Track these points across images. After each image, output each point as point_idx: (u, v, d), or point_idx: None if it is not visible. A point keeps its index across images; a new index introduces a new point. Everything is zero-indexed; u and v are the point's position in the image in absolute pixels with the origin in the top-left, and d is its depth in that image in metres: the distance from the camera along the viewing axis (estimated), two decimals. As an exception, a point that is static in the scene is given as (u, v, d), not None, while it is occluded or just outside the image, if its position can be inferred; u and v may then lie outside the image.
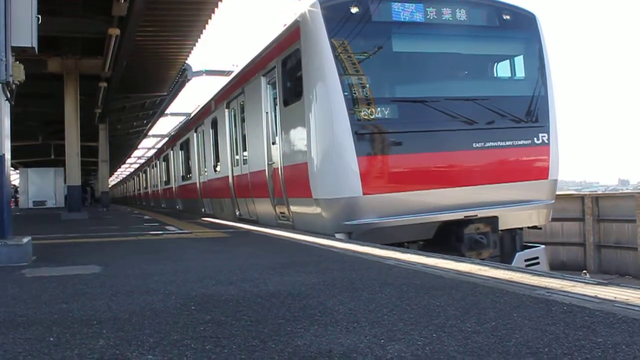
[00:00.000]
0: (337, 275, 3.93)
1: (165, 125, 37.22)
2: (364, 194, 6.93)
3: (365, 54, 7.46)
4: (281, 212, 8.94)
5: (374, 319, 2.62)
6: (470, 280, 3.57)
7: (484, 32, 8.13)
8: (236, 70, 12.41)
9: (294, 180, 8.11)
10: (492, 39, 8.28)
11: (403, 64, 7.92)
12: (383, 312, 2.74)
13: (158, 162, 28.73)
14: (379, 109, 7.22)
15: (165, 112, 31.37)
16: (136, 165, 51.08)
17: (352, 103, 7.09)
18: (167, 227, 10.48)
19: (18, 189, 35.81)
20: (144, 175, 38.09)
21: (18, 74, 5.50)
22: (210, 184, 14.76)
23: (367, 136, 7.08)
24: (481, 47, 8.24)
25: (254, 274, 4.09)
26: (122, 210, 27.00)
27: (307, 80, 7.54)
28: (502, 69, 8.64)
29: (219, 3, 14.59)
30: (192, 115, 18.91)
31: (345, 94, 7.08)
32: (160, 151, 29.34)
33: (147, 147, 46.48)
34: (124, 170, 66.82)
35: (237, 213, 11.89)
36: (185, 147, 19.26)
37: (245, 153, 10.85)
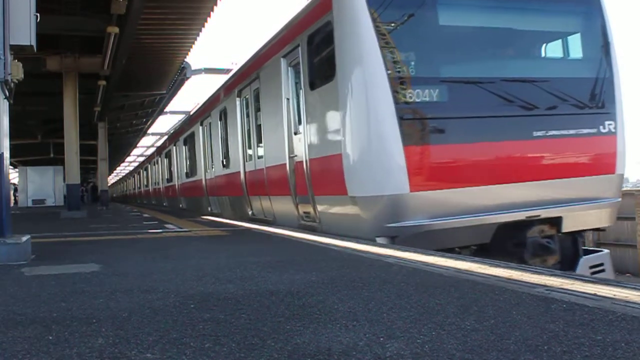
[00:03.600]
0: (337, 274, 3.93)
1: (164, 124, 37.23)
2: (411, 190, 5.97)
3: (410, 27, 6.51)
4: (305, 212, 8.02)
5: (373, 317, 2.62)
6: (470, 278, 3.57)
7: (544, 5, 7.17)
8: (248, 56, 11.12)
9: (324, 175, 7.16)
10: (552, 13, 7.29)
11: (453, 39, 6.86)
12: (382, 310, 2.74)
13: (160, 158, 27.52)
14: (427, 90, 6.23)
15: (165, 110, 31.37)
16: (136, 164, 50.89)
17: (397, 83, 6.11)
18: (167, 226, 10.48)
19: (17, 188, 35.80)
20: (144, 172, 36.78)
21: (17, 72, 5.49)
22: (218, 181, 13.75)
23: (414, 122, 6.12)
24: (539, 22, 7.27)
25: (253, 272, 4.09)
26: (121, 208, 26.99)
27: (341, 57, 6.53)
28: (562, 47, 7.57)
29: (218, 1, 14.59)
30: (198, 107, 17.52)
31: (388, 72, 6.11)
32: (162, 147, 28.04)
33: (146, 145, 46.50)
34: (123, 169, 66.81)
35: (250, 212, 10.99)
36: (190, 141, 18.13)
37: (261, 146, 9.87)
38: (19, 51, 5.58)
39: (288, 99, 8.31)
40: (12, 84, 5.53)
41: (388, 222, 6.09)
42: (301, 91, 7.78)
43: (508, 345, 2.10)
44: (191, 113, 19.35)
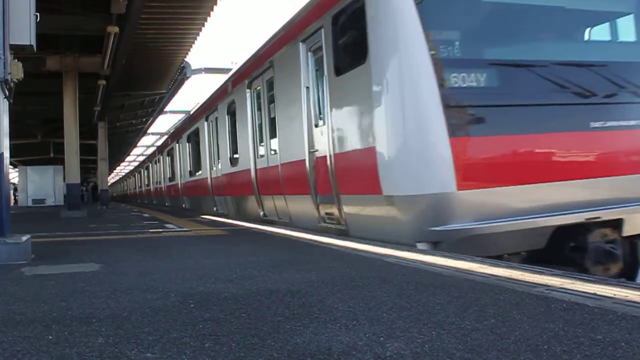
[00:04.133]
0: (337, 273, 3.93)
1: (164, 123, 37.17)
2: (458, 189, 5.23)
3: (456, 2, 5.95)
4: (327, 213, 7.29)
5: (373, 316, 2.62)
6: (470, 277, 3.57)
7: None
8: (260, 43, 10.22)
9: (352, 171, 6.44)
10: None
11: (502, 17, 6.19)
12: (382, 310, 2.74)
13: (161, 157, 26.56)
14: (476, 74, 5.55)
15: (165, 110, 31.38)
16: (136, 163, 50.76)
17: (441, 65, 5.41)
18: (167, 225, 10.48)
19: (17, 187, 35.80)
20: (145, 171, 35.77)
21: (17, 72, 5.49)
22: (225, 179, 12.95)
23: (461, 110, 5.38)
24: (597, 1, 6.60)
25: (253, 272, 4.09)
26: (121, 208, 26.99)
27: (374, 37, 5.81)
28: (622, 29, 6.74)
29: (218, 1, 14.59)
30: (203, 101, 16.40)
31: (432, 52, 5.38)
32: (164, 145, 26.95)
33: (146, 145, 46.50)
34: (123, 168, 66.79)
35: (261, 213, 10.29)
36: (194, 138, 17.22)
37: (275, 141, 9.10)
38: (19, 51, 5.58)
39: (308, 88, 7.56)
40: (12, 84, 5.53)
41: (431, 226, 5.33)
42: (324, 78, 7.01)
43: (508, 345, 2.10)
44: (195, 108, 18.25)
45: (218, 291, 3.36)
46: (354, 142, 6.35)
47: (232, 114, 11.98)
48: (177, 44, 18.20)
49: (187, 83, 25.47)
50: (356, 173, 6.36)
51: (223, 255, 5.31)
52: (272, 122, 9.28)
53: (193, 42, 18.12)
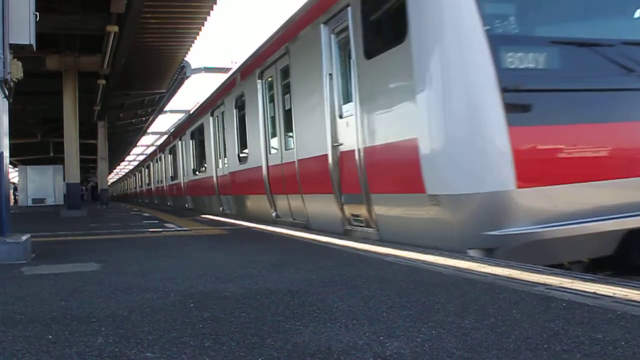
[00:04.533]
0: (336, 272, 3.93)
1: (164, 123, 37.20)
2: (518, 186, 4.53)
3: None
4: (354, 215, 6.59)
5: (373, 315, 2.62)
6: (470, 277, 3.57)
7: None
8: (273, 30, 9.45)
9: (387, 167, 5.75)
10: None
11: None
12: (382, 309, 2.74)
13: (163, 155, 25.75)
14: (537, 53, 4.87)
15: (164, 109, 31.38)
16: (136, 162, 50.65)
17: (497, 43, 4.73)
18: (166, 225, 10.48)
19: (17, 187, 35.81)
20: (146, 170, 35.08)
21: (16, 71, 5.49)
22: (232, 177, 12.17)
23: (522, 95, 4.72)
24: None
25: (252, 271, 4.09)
26: (121, 207, 26.99)
27: (415, 10, 5.09)
28: None
29: (218, 0, 14.59)
30: (207, 96, 15.47)
31: (486, 27, 4.70)
32: (165, 143, 26.08)
33: (146, 144, 46.50)
34: (123, 168, 66.77)
35: (273, 214, 9.58)
36: (198, 135, 16.38)
37: (291, 135, 8.41)
38: (18, 50, 5.58)
39: (330, 75, 6.81)
40: (12, 83, 5.53)
41: (485, 229, 4.62)
42: (351, 63, 6.27)
43: (508, 344, 2.10)
44: (199, 103, 17.01)
45: (218, 290, 3.36)
46: (389, 134, 5.58)
47: (240, 107, 11.18)
48: (176, 43, 18.21)
49: (186, 82, 25.52)
50: (392, 169, 5.64)
51: (223, 255, 5.31)
52: (288, 114, 8.53)
53: (193, 42, 18.13)
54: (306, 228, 7.90)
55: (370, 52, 5.91)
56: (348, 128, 6.44)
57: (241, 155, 11.36)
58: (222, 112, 12.88)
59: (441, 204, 4.89)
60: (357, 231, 6.52)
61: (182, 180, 19.86)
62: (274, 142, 9.36)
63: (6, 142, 5.58)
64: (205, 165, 15.27)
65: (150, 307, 2.93)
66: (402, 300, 2.94)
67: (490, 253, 4.65)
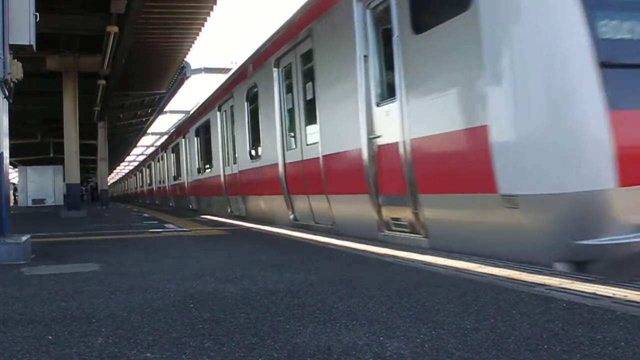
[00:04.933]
0: (336, 273, 3.93)
1: (164, 123, 37.22)
2: (620, 184, 3.71)
3: None
4: (395, 219, 5.72)
5: (372, 316, 2.62)
6: (469, 277, 3.57)
7: None
8: (292, 11, 8.43)
9: (444, 162, 4.83)
10: None
11: None
12: (382, 310, 2.74)
13: (165, 154, 24.62)
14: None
15: (164, 109, 31.40)
16: (136, 163, 50.52)
17: (594, 7, 3.88)
18: (166, 225, 10.48)
19: (17, 187, 35.82)
20: (147, 170, 34.01)
21: (16, 71, 5.49)
22: (243, 176, 11.15)
23: (625, 73, 3.91)
24: None
25: (252, 272, 4.09)
26: (121, 208, 26.98)
27: None
28: None
29: (218, 0, 14.61)
30: (215, 89, 14.43)
31: None
32: (168, 141, 24.89)
33: (146, 144, 46.50)
34: (123, 168, 66.77)
35: (291, 216, 8.71)
36: (204, 132, 15.46)
37: (313, 129, 7.57)
38: (18, 50, 5.59)
39: (366, 57, 5.94)
40: (12, 84, 5.54)
41: (577, 238, 3.82)
42: (393, 41, 5.40)
43: (508, 345, 2.10)
44: (206, 98, 15.65)
45: (218, 291, 3.36)
46: (447, 121, 4.65)
47: (252, 100, 10.27)
48: (176, 44, 18.22)
49: (186, 83, 25.55)
50: (450, 164, 4.74)
51: (223, 255, 5.31)
52: (310, 105, 7.64)
53: (193, 42, 18.14)
54: (331, 233, 6.99)
55: (420, 25, 5.03)
56: (388, 117, 5.53)
57: (253, 152, 10.49)
58: (231, 106, 11.97)
59: (520, 207, 4.00)
60: (398, 237, 5.61)
61: (185, 180, 19.01)
62: (293, 137, 8.49)
63: (6, 142, 5.58)
64: (212, 163, 14.38)
65: (150, 308, 2.93)
66: (402, 300, 2.94)
67: (583, 267, 3.85)
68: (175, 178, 21.86)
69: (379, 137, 5.83)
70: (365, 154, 6.01)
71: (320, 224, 7.68)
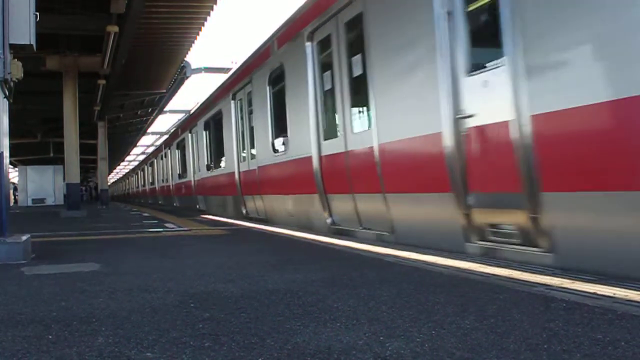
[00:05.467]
0: (337, 273, 3.93)
1: (164, 123, 37.19)
2: None
3: None
4: (493, 225, 4.46)
5: (373, 315, 2.62)
6: (470, 277, 3.57)
7: None
8: None
9: (591, 147, 3.51)
10: None
11: None
12: (382, 309, 2.74)
13: (169, 151, 23.08)
14: None
15: (164, 109, 31.40)
16: (136, 162, 50.36)
17: None
18: (166, 225, 10.47)
19: (17, 187, 35.83)
20: (149, 168, 32.65)
21: (16, 71, 5.49)
22: (263, 173, 9.76)
23: None
24: None
25: (253, 271, 4.09)
26: (121, 208, 26.98)
27: None
28: None
29: (218, 0, 14.60)
30: (226, 78, 13.00)
31: None
32: (172, 137, 23.17)
33: (146, 144, 46.47)
34: (123, 168, 66.73)
35: (328, 220, 7.36)
36: (214, 125, 14.06)
37: (363, 111, 6.51)
38: (18, 50, 5.58)
39: (450, 13, 4.66)
40: (12, 83, 5.54)
41: None
42: None
43: (508, 344, 2.10)
44: (217, 86, 14.00)
45: (218, 291, 3.36)
46: (612, 85, 3.34)
47: (276, 82, 8.99)
48: (176, 43, 18.21)
49: (187, 82, 25.53)
50: (606, 149, 3.42)
51: (223, 255, 5.30)
52: (358, 83, 6.45)
53: (193, 42, 18.12)
54: (384, 242, 5.81)
55: None
56: (488, 89, 4.38)
57: (277, 144, 9.05)
58: (249, 93, 10.51)
59: None
60: (502, 251, 4.35)
61: (192, 178, 17.55)
62: (332, 124, 7.21)
63: (6, 142, 5.58)
64: (224, 160, 12.95)
65: (150, 307, 2.93)
66: (402, 300, 2.94)
67: None
68: (180, 176, 20.74)
69: (470, 116, 4.53)
70: (448, 140, 4.73)
71: (370, 230, 6.36)
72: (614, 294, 2.90)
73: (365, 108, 6.41)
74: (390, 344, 2.16)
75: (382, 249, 5.15)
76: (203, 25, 16.43)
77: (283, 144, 8.79)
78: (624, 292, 2.94)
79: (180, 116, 30.57)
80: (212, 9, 15.17)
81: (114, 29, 14.21)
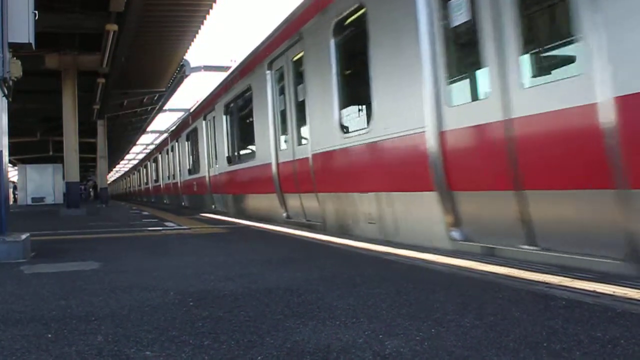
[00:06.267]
0: (336, 271, 3.93)
1: (163, 122, 37.19)
2: None
3: None
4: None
5: (372, 314, 2.62)
6: (469, 275, 3.57)
7: None
8: None
9: None
10: None
11: None
12: (382, 308, 2.74)
13: (177, 144, 20.42)
14: None
15: (164, 108, 31.40)
16: (136, 161, 50.19)
17: None
18: (166, 223, 10.47)
19: (17, 186, 35.82)
20: (153, 164, 30.09)
21: (15, 70, 5.49)
22: (323, 163, 7.20)
23: None
24: None
25: (252, 270, 4.09)
26: (121, 206, 26.97)
27: None
28: None
29: (217, -2, 14.60)
30: (257, 46, 10.15)
31: None
32: (180, 128, 20.29)
33: (145, 143, 46.46)
34: (122, 166, 66.72)
35: (456, 234, 4.77)
36: (238, 107, 11.79)
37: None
38: (17, 49, 5.57)
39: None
40: (11, 82, 5.53)
41: None
42: None
43: (507, 342, 2.10)
44: (241, 61, 11.47)
45: (217, 289, 3.36)
46: None
47: (350, 40, 6.85)
48: (176, 42, 18.21)
49: (186, 81, 25.54)
50: None
51: (222, 254, 5.30)
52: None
53: (192, 40, 18.12)
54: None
55: None
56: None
57: (350, 122, 6.96)
58: (293, 61, 8.21)
59: None
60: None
61: (206, 174, 15.00)
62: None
63: (5, 141, 5.58)
64: (252, 149, 10.63)
65: (149, 306, 2.92)
66: (402, 298, 2.93)
67: None
68: (190, 172, 18.03)
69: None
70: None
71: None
72: (614, 292, 2.90)
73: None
74: (390, 342, 2.15)
75: (382, 248, 5.15)
76: (202, 23, 16.43)
77: (369, 119, 6.14)
78: (624, 290, 2.94)
79: (180, 114, 30.54)
80: (211, 7, 15.18)
81: (113, 27, 14.20)
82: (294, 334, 2.30)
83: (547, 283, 3.19)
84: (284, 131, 8.77)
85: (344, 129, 6.78)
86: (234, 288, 3.38)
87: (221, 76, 14.36)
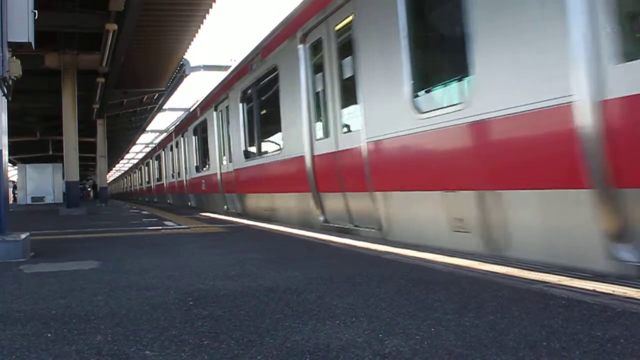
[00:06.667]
0: (336, 270, 3.93)
1: (163, 121, 37.20)
2: None
3: None
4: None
5: (372, 313, 2.62)
6: (469, 274, 3.57)
7: None
8: None
9: None
10: None
11: None
12: (381, 307, 2.74)
13: (182, 139, 18.84)
14: None
15: (163, 107, 31.41)
16: (135, 161, 50.09)
17: None
18: (166, 223, 10.47)
19: (16, 185, 35.82)
20: (156, 162, 28.41)
21: (15, 69, 5.48)
22: (385, 155, 5.73)
23: None
24: None
25: (252, 269, 4.09)
26: (121, 206, 26.97)
27: None
28: None
29: (217, -3, 14.59)
30: (287, 16, 8.43)
31: None
32: (186, 122, 18.72)
33: (145, 142, 46.45)
34: (122, 166, 66.71)
35: (625, 253, 3.25)
36: (258, 94, 10.28)
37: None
38: (17, 48, 5.57)
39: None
40: (11, 81, 5.52)
41: None
42: None
43: (507, 342, 2.10)
44: (267, 34, 9.53)
45: (217, 288, 3.36)
46: None
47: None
48: (175, 41, 18.21)
49: (185, 80, 25.55)
50: None
51: (222, 253, 5.30)
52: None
53: (192, 39, 18.12)
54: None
55: None
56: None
57: (424, 99, 5.16)
58: (346, 27, 6.50)
59: None
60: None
61: (218, 171, 13.39)
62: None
63: (5, 140, 5.57)
64: (278, 141, 9.24)
65: (149, 305, 2.92)
66: (401, 297, 2.94)
67: None
68: (198, 169, 16.58)
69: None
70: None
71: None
72: (613, 291, 2.90)
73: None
74: (390, 341, 2.16)
75: (381, 247, 5.15)
76: (202, 22, 16.43)
77: (444, 97, 4.93)
78: (623, 289, 2.94)
79: (179, 114, 30.53)
80: (211, 7, 15.18)
81: (112, 26, 14.20)
82: (293, 333, 2.30)
83: (546, 282, 3.19)
84: (322, 117, 7.23)
85: (420, 110, 5.06)
86: (233, 287, 3.38)
87: (221, 76, 14.09)
